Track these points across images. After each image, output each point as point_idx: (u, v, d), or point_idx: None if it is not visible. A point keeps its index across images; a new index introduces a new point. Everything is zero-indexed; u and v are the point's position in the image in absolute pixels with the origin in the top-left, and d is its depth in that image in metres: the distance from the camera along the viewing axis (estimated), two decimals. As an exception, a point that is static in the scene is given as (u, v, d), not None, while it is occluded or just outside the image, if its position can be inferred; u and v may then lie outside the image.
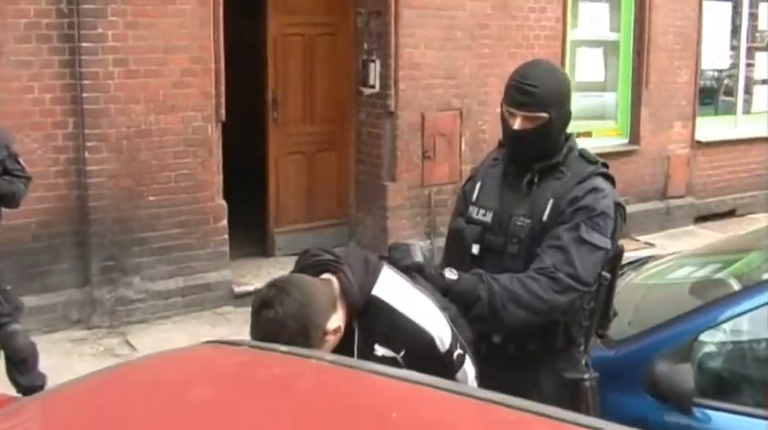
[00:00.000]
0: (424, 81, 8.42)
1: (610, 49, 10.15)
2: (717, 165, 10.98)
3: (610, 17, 10.10)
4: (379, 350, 2.55)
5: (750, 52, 11.39)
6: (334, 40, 8.61)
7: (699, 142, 10.73)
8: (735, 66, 11.36)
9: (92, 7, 6.64)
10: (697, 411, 3.33)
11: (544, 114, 3.03)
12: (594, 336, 3.26)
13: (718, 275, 4.26)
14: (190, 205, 7.27)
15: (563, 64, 9.14)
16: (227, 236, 7.52)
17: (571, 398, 3.07)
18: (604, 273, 3.08)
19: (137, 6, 6.82)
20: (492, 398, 1.90)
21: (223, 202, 7.47)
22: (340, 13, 8.59)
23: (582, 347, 3.15)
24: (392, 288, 2.60)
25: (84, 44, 6.65)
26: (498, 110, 3.22)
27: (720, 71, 11.41)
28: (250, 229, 8.54)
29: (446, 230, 3.51)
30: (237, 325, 6.86)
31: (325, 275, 2.60)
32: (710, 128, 10.96)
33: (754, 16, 11.32)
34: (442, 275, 2.91)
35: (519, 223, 3.07)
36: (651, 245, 9.64)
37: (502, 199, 3.17)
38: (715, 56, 11.03)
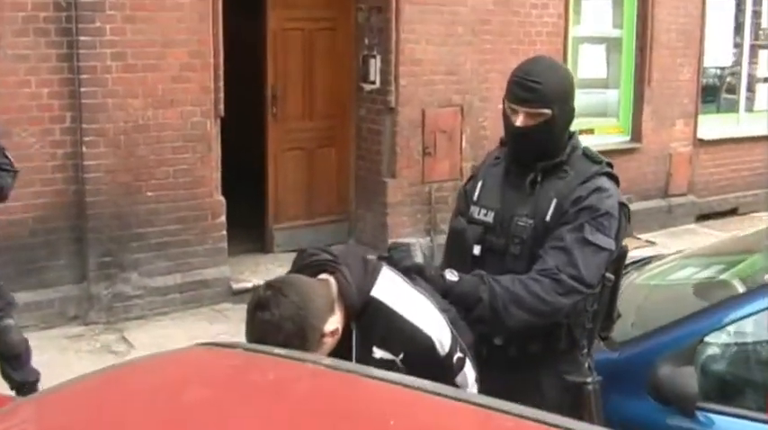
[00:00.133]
0: (424, 77, 8.36)
1: (612, 45, 10.09)
2: (719, 164, 10.93)
3: (612, 13, 10.03)
4: (378, 352, 2.49)
5: (753, 50, 11.33)
6: (334, 36, 8.55)
7: (701, 140, 10.68)
8: (737, 63, 11.29)
9: (90, 1, 6.58)
10: (700, 415, 3.28)
11: (547, 111, 2.97)
12: (598, 339, 3.20)
13: (722, 277, 4.20)
14: (188, 201, 7.22)
15: (565, 60, 9.08)
16: (225, 232, 7.47)
17: (573, 401, 3.02)
18: (608, 275, 3.02)
19: (135, 0, 6.76)
20: (491, 405, 1.85)
21: (221, 198, 7.42)
22: (340, 8, 8.53)
23: (585, 350, 3.09)
24: (391, 289, 2.54)
25: (81, 38, 6.59)
26: (500, 106, 3.16)
27: (723, 69, 11.35)
28: (249, 226, 8.49)
29: (447, 227, 3.46)
30: (235, 322, 6.80)
31: (323, 276, 2.54)
32: (713, 126, 10.90)
33: (757, 14, 11.26)
34: (443, 277, 2.85)
35: (521, 223, 3.01)
36: (652, 243, 9.59)
37: (504, 199, 3.11)
38: (718, 53, 10.97)
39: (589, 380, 3.05)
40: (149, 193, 7.04)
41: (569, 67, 8.96)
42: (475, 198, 3.18)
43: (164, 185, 7.09)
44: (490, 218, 3.10)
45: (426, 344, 2.51)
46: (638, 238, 9.54)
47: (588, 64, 9.84)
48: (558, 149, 3.07)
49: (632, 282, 4.28)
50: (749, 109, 11.37)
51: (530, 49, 8.27)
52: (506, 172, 3.16)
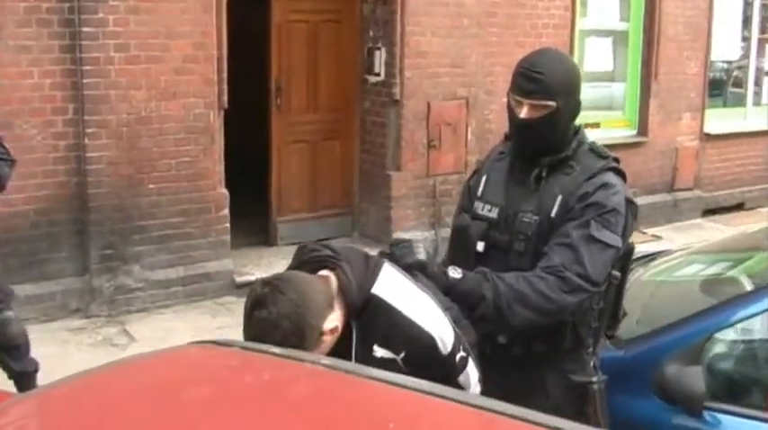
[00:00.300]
0: (429, 69, 8.32)
1: (619, 38, 10.04)
2: (725, 158, 10.88)
3: (619, 6, 10.00)
4: (379, 351, 2.45)
5: (761, 43, 11.28)
6: (339, 28, 8.50)
7: (707, 134, 10.63)
8: (745, 57, 11.25)
9: (93, -9, 6.55)
10: (707, 415, 3.22)
11: (551, 103, 2.91)
12: (603, 338, 3.14)
13: (729, 273, 4.15)
14: (191, 193, 7.18)
15: (571, 53, 9.02)
16: (228, 225, 7.43)
17: (578, 401, 2.97)
18: (614, 272, 2.96)
19: (138, -9, 6.73)
20: (493, 408, 1.80)
21: (225, 191, 7.38)
22: (345, 0, 8.47)
23: (590, 349, 3.03)
24: (393, 286, 2.49)
25: (84, 29, 6.55)
26: (505, 99, 3.10)
27: (730, 62, 11.31)
28: (252, 218, 8.46)
29: (451, 221, 3.40)
30: (238, 315, 6.71)
31: (323, 272, 2.49)
32: (719, 120, 10.85)
33: (765, 7, 11.23)
34: (446, 274, 2.79)
35: (526, 220, 2.95)
36: (658, 238, 9.56)
37: (508, 194, 3.04)
38: (725, 47, 10.91)
39: (594, 379, 2.99)
40: (152, 186, 7.00)
41: (575, 59, 8.92)
42: (479, 193, 3.12)
43: (166, 178, 7.05)
44: (494, 214, 3.04)
45: (428, 342, 2.46)
46: (644, 233, 9.49)
47: (594, 57, 9.80)
48: (564, 144, 3.01)
49: (638, 278, 4.22)
50: (756, 103, 11.32)
51: (536, 42, 8.22)
52: (511, 167, 3.09)
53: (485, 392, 2.64)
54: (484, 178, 3.14)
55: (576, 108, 3.02)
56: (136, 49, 6.76)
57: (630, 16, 10.00)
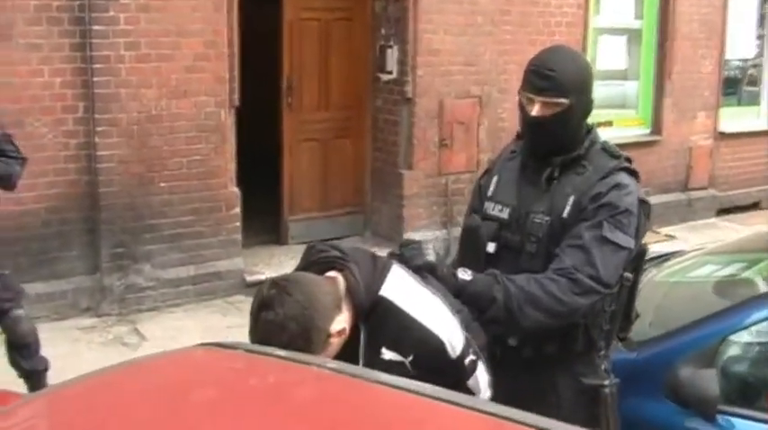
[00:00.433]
0: (442, 67, 8.28)
1: (633, 36, 9.98)
2: (740, 157, 10.81)
3: (633, 4, 9.93)
4: (387, 354, 2.41)
5: (776, 42, 11.18)
6: (350, 25, 8.46)
7: (722, 133, 10.56)
8: (760, 55, 11.17)
9: (104, -11, 6.53)
10: (721, 418, 3.18)
11: (564, 100, 2.87)
12: (615, 340, 3.10)
13: (744, 275, 4.11)
14: (202, 192, 7.16)
15: (584, 52, 8.97)
16: (239, 223, 7.41)
17: (589, 404, 2.92)
18: (627, 274, 2.91)
19: (149, -11, 6.71)
20: (502, 413, 1.77)
21: (236, 190, 7.36)
22: (357, -2, 8.45)
23: (602, 352, 2.98)
24: (401, 288, 2.46)
25: (95, 27, 6.53)
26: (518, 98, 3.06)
27: (745, 61, 11.22)
28: (264, 217, 8.44)
29: (463, 220, 3.36)
30: (248, 314, 6.75)
31: (331, 273, 2.45)
32: (734, 119, 10.77)
33: (781, 5, 11.11)
34: (455, 276, 2.75)
35: (537, 220, 2.90)
36: (672, 237, 9.50)
37: (520, 194, 3.00)
38: (740, 45, 10.84)
39: (606, 382, 2.94)
40: (162, 184, 6.98)
41: (589, 58, 8.87)
42: (490, 193, 3.08)
43: (177, 176, 7.03)
44: (505, 214, 2.99)
45: (437, 345, 2.42)
46: (658, 232, 9.43)
47: (608, 55, 9.75)
48: (576, 143, 2.96)
49: (651, 279, 4.18)
50: (771, 101, 11.23)
51: (549, 40, 8.17)
52: (523, 166, 3.05)
53: (495, 395, 2.61)
54: (495, 178, 3.10)
55: (588, 106, 2.98)
56: (146, 48, 6.74)
57: (644, 14, 9.94)
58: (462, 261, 3.01)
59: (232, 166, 7.33)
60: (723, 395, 3.18)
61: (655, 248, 5.46)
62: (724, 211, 10.67)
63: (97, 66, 6.59)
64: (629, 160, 2.98)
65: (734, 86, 11.09)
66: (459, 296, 2.68)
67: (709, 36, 10.17)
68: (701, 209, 10.43)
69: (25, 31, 6.36)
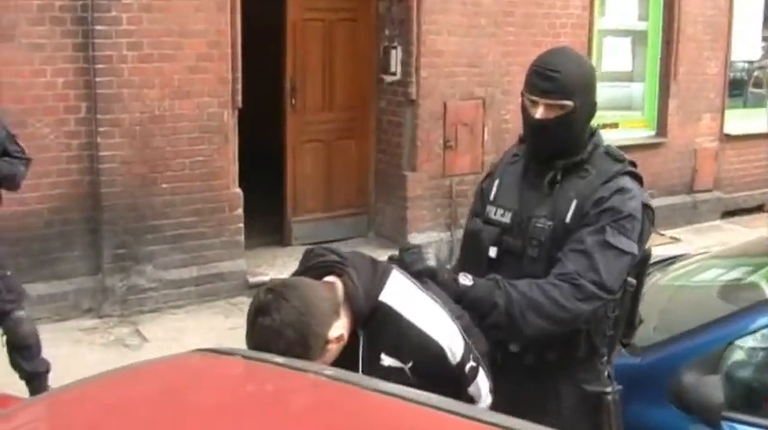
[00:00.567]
0: (446, 69, 8.25)
1: (638, 38, 9.94)
2: (745, 159, 10.77)
3: (638, 5, 9.90)
4: (386, 360, 2.38)
5: (782, 43, 11.14)
6: (354, 26, 8.44)
7: (727, 135, 10.53)
8: (766, 57, 11.13)
9: (106, -10, 6.51)
10: (726, 425, 3.13)
11: (568, 102, 2.82)
12: (619, 346, 3.06)
13: (750, 279, 4.06)
14: (204, 193, 7.14)
15: (589, 53, 8.96)
16: (242, 224, 7.39)
17: (592, 411, 2.89)
18: (630, 279, 2.87)
19: (152, -11, 6.68)
20: (502, 423, 1.73)
21: (239, 191, 7.33)
22: (361, -1, 8.43)
23: (605, 358, 2.94)
24: (401, 294, 2.42)
25: (97, 27, 6.52)
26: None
27: (751, 62, 11.17)
28: (267, 218, 8.42)
29: (465, 224, 3.31)
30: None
31: (330, 278, 2.42)
32: (739, 121, 10.72)
33: (787, 7, 11.06)
34: (456, 281, 2.71)
35: (539, 225, 2.86)
36: (677, 240, 9.46)
37: (522, 198, 2.96)
38: (746, 46, 10.78)
39: (609, 389, 2.90)
40: (165, 185, 6.96)
41: (594, 59, 8.89)
42: (492, 197, 3.04)
43: (180, 177, 7.01)
44: (507, 218, 2.95)
45: (436, 352, 2.39)
46: (663, 235, 9.39)
47: (613, 57, 9.72)
48: (579, 146, 2.92)
49: (655, 283, 4.14)
50: (777, 104, 11.18)
51: (553, 42, 8.13)
52: (525, 170, 3.01)
53: (496, 402, 2.58)
54: (497, 181, 3.06)
55: (592, 108, 2.94)
56: (149, 48, 6.72)
57: (649, 15, 9.90)
58: (464, 265, 2.98)
59: (235, 167, 7.31)
60: (728, 401, 3.14)
61: (659, 251, 5.42)
62: (729, 214, 10.63)
63: (100, 66, 6.57)
64: (632, 164, 2.94)
65: (739, 88, 11.04)
66: (460, 301, 2.64)
67: (714, 38, 10.13)
68: (705, 211, 10.39)
69: (28, 31, 6.34)
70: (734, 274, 4.26)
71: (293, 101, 8.26)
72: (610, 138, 8.74)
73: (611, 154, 2.93)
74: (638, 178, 2.92)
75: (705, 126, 10.28)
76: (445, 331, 2.42)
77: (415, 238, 8.16)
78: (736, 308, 3.57)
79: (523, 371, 2.89)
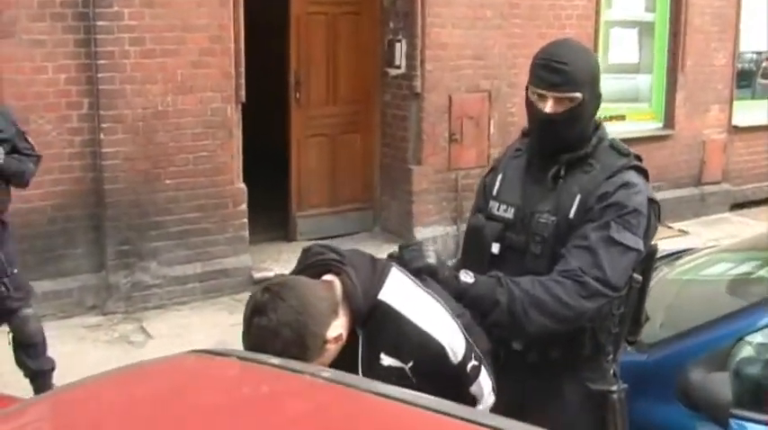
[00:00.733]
0: (451, 62, 8.19)
1: (645, 29, 9.87)
2: (754, 151, 10.70)
3: (645, -4, 9.81)
4: (386, 360, 2.34)
5: (791, 34, 11.03)
6: (358, 20, 8.39)
7: (736, 127, 10.46)
8: (774, 48, 11.02)
9: (107, -16, 6.47)
10: (734, 423, 3.08)
11: (577, 95, 2.76)
12: (624, 344, 3.00)
13: (759, 273, 3.99)
14: (208, 188, 7.10)
15: (596, 45, 8.91)
16: (246, 220, 7.35)
17: (597, 410, 2.83)
18: (636, 275, 2.81)
19: (154, -16, 6.65)
20: (503, 426, 1.68)
21: (243, 186, 7.29)
22: (365, -8, 8.37)
23: (610, 356, 2.88)
24: (401, 292, 2.38)
25: (99, 23, 6.48)
26: (528, 93, 2.95)
27: (759, 53, 11.08)
28: (271, 213, 8.38)
29: (468, 219, 3.26)
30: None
31: (328, 276, 2.38)
32: (748, 112, 10.64)
33: (796, -3, 10.95)
34: (457, 278, 2.65)
35: (543, 220, 2.80)
36: (685, 232, 9.40)
37: (525, 193, 2.90)
38: (754, 37, 10.70)
39: (614, 388, 2.84)
40: (168, 181, 6.93)
41: (600, 51, 8.85)
42: (494, 192, 2.98)
43: (183, 173, 6.97)
44: (510, 214, 2.90)
45: (437, 351, 2.35)
46: (671, 228, 9.33)
47: (620, 48, 9.65)
48: (584, 140, 2.86)
49: (663, 277, 4.08)
50: (786, 95, 11.09)
51: (559, 33, 8.07)
52: (528, 165, 2.95)
53: (499, 401, 2.54)
54: (500, 177, 3.00)
55: (598, 100, 2.89)
56: (151, 43, 6.68)
57: (656, 7, 9.83)
58: (466, 262, 2.93)
59: (238, 162, 7.28)
60: (736, 398, 3.08)
61: (667, 244, 5.37)
62: (737, 206, 10.57)
63: (102, 62, 6.54)
64: (638, 158, 2.88)
65: (747, 79, 10.96)
66: (461, 299, 2.59)
67: (722, 28, 10.06)
68: (714, 203, 10.32)
69: (29, 27, 6.31)
70: (743, 269, 4.20)
71: (297, 95, 8.22)
72: (617, 130, 8.74)
73: (615, 148, 2.87)
74: (643, 172, 2.86)
75: (713, 118, 10.21)
76: (446, 330, 2.38)
77: (420, 232, 8.12)
78: (745, 303, 3.51)
79: (527, 370, 2.84)
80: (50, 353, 5.28)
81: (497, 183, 2.99)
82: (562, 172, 2.84)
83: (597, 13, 9.05)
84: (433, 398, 1.79)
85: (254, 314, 2.22)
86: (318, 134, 8.41)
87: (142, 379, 2.04)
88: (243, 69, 7.13)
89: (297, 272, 2.45)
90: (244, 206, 7.31)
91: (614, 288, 2.71)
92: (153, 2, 6.64)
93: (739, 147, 10.56)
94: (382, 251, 7.18)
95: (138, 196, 6.84)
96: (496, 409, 2.53)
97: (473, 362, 2.42)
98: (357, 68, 8.44)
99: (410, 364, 2.33)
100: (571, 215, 2.78)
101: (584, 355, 2.86)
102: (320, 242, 2.64)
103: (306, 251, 2.50)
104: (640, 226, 2.74)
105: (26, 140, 5.12)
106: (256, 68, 7.70)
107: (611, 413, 2.83)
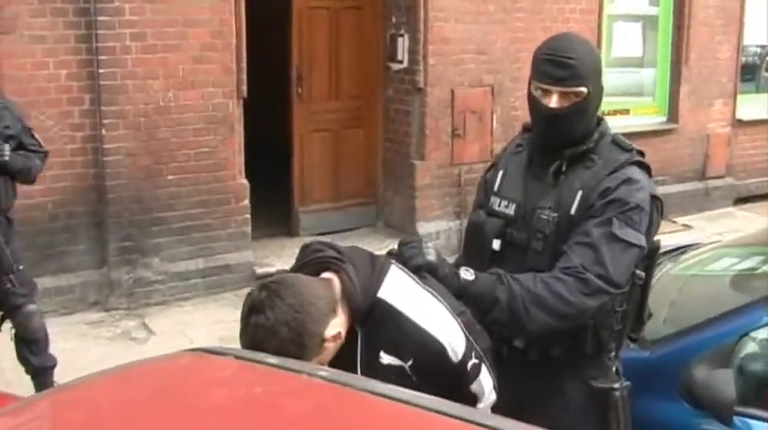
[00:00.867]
0: (454, 56, 8.16)
1: (648, 23, 9.83)
2: (758, 145, 10.65)
3: (649, -10, 9.77)
4: (385, 358, 2.32)
5: (795, 27, 10.98)
6: (360, 14, 8.36)
7: (740, 121, 10.41)
8: (779, 41, 10.97)
9: (108, -21, 6.45)
10: (738, 421, 3.05)
11: (583, 89, 2.73)
12: (627, 341, 2.97)
13: (764, 268, 3.96)
14: (210, 184, 7.09)
15: (599, 39, 8.87)
16: (248, 215, 7.33)
17: (599, 408, 2.81)
18: (638, 272, 2.78)
19: (155, -22, 6.62)
20: (503, 426, 1.66)
21: (245, 181, 7.27)
22: (367, -14, 8.34)
23: (613, 353, 2.85)
24: (400, 290, 2.35)
25: (100, 18, 6.46)
26: (531, 87, 2.91)
27: (763, 47, 11.03)
28: (274, 208, 8.36)
29: (469, 216, 3.23)
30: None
31: (326, 274, 2.36)
32: (752, 106, 10.60)
33: (800, -11, 10.90)
34: (457, 275, 2.62)
35: (544, 217, 2.77)
36: (689, 227, 9.38)
37: (526, 189, 2.86)
38: (758, 31, 10.65)
39: (617, 385, 2.81)
40: (170, 177, 6.91)
41: (604, 45, 8.83)
42: (495, 188, 2.95)
43: (185, 168, 6.95)
44: (511, 210, 2.86)
45: (437, 349, 2.32)
46: (675, 222, 9.30)
47: (623, 42, 9.62)
48: (587, 135, 2.83)
49: (666, 273, 4.05)
50: (790, 88, 11.05)
51: (563, 27, 8.06)
52: (529, 160, 2.92)
53: (500, 399, 2.52)
54: (500, 172, 2.97)
55: (601, 94, 2.85)
56: (153, 38, 6.66)
57: (660, 0, 9.77)
58: (466, 258, 2.90)
59: (240, 158, 7.25)
60: (740, 396, 3.04)
61: (671, 239, 5.33)
62: (742, 200, 10.52)
63: (103, 57, 6.52)
64: (640, 153, 2.84)
65: (752, 73, 10.91)
66: (461, 297, 2.56)
67: (726, 22, 10.01)
68: (718, 198, 10.29)
69: (29, 23, 6.29)
70: (747, 264, 4.16)
71: (299, 90, 8.20)
72: (621, 124, 8.70)
73: (617, 143, 2.83)
74: (646, 168, 2.83)
75: (717, 111, 10.17)
76: (446, 328, 2.36)
77: (423, 228, 8.10)
78: (750, 299, 3.46)
79: (528, 368, 2.82)
80: (52, 349, 5.27)
81: (498, 179, 2.96)
82: (563, 167, 2.81)
83: (600, 6, 9.01)
84: (431, 397, 1.77)
85: (251, 312, 2.20)
86: (321, 129, 8.39)
87: (136, 379, 2.01)
88: (244, 64, 7.10)
89: (295, 269, 2.43)
90: (246, 201, 7.29)
91: (616, 285, 2.68)
92: (154, -3, 6.62)
93: (743, 140, 10.52)
94: (385, 246, 7.16)
95: (140, 192, 6.82)
96: (497, 407, 2.50)
97: (473, 361, 2.39)
98: (359, 63, 8.41)
99: (410, 363, 2.31)
100: (572, 211, 2.75)
101: (587, 353, 2.83)
102: (319, 239, 2.61)
103: (304, 248, 2.48)
104: (643, 222, 2.71)
105: (32, 136, 5.13)
106: (258, 63, 7.66)
107: (613, 411, 2.80)
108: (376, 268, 2.37)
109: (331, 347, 2.26)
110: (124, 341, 6.37)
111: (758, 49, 10.99)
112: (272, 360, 1.95)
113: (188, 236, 7.06)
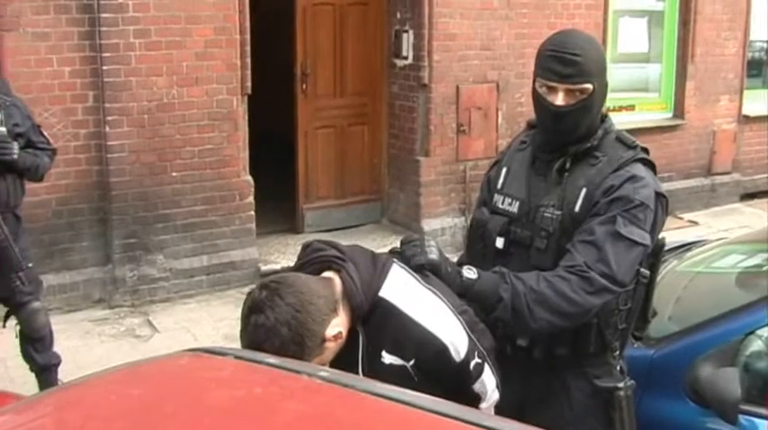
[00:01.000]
0: (459, 52, 8.13)
1: (654, 18, 9.78)
2: (764, 141, 10.60)
3: (654, -15, 9.72)
4: (387, 357, 2.30)
5: (802, 22, 10.92)
6: (365, 10, 8.33)
7: (746, 116, 10.36)
8: (786, 36, 10.91)
9: (112, -24, 6.43)
10: (744, 419, 3.01)
11: (589, 86, 2.70)
12: (631, 339, 2.95)
13: (770, 266, 3.93)
14: (215, 181, 7.07)
15: (605, 34, 8.83)
16: (253, 212, 7.32)
17: (603, 407, 2.78)
18: (643, 270, 2.75)
19: (158, -25, 6.60)
20: (507, 428, 1.63)
21: (249, 178, 7.26)
22: (372, -18, 8.31)
23: (617, 352, 2.83)
24: (402, 289, 2.34)
25: (103, 15, 6.44)
26: (536, 84, 2.88)
27: (770, 42, 10.97)
28: (278, 205, 8.35)
29: (472, 214, 3.21)
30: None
31: (327, 273, 2.34)
32: (758, 101, 10.54)
33: (807, -16, 10.83)
34: (460, 274, 2.59)
35: (547, 215, 2.74)
36: (695, 223, 9.34)
37: (529, 187, 2.83)
38: (764, 26, 10.58)
39: (621, 385, 2.78)
40: (174, 174, 6.90)
41: (609, 40, 8.79)
42: (499, 186, 2.92)
43: (189, 165, 6.94)
44: (515, 208, 2.83)
45: (439, 349, 2.30)
46: (681, 218, 9.28)
47: (629, 38, 9.57)
48: (591, 132, 2.79)
49: (672, 270, 4.02)
50: (797, 84, 10.99)
51: (568, 23, 8.04)
52: (533, 158, 2.89)
53: (504, 398, 2.50)
54: (504, 170, 2.93)
55: (606, 91, 2.82)
56: (156, 35, 6.65)
57: (666, -5, 9.75)
58: (470, 256, 2.88)
59: (245, 155, 7.24)
60: (746, 394, 3.01)
61: (677, 235, 5.30)
62: (748, 196, 10.48)
63: (106, 54, 6.51)
64: (645, 150, 2.81)
65: (758, 69, 10.85)
66: (464, 295, 2.54)
67: (732, 17, 9.96)
68: (724, 194, 10.25)
69: (33, 20, 6.28)
70: (753, 261, 4.13)
71: (304, 86, 8.18)
72: (626, 120, 8.65)
73: (622, 140, 2.80)
74: (650, 165, 2.79)
75: (723, 107, 10.12)
76: (448, 327, 2.34)
77: (428, 224, 8.08)
78: (755, 296, 3.43)
79: (532, 366, 2.80)
80: (56, 346, 5.27)
81: (502, 177, 2.93)
82: (568, 165, 2.78)
83: (606, 2, 8.97)
84: (431, 398, 1.75)
85: (251, 312, 2.18)
86: (325, 126, 8.37)
87: (136, 379, 1.99)
88: (249, 61, 7.08)
89: (296, 268, 2.42)
90: (250, 198, 7.28)
91: (620, 283, 2.65)
92: (157, -7, 6.61)
93: (750, 136, 10.47)
94: (390, 243, 7.14)
95: (144, 189, 6.81)
96: (501, 407, 2.49)
97: (476, 360, 2.37)
98: (364, 59, 8.39)
99: (412, 362, 2.30)
100: (576, 209, 2.72)
101: (590, 352, 2.80)
102: (320, 238, 2.59)
103: (305, 247, 2.46)
104: (647, 220, 2.68)
105: (41, 134, 5.13)
106: (263, 60, 7.64)
107: (617, 410, 2.78)
108: (377, 267, 2.35)
109: (332, 347, 2.24)
110: (128, 338, 6.36)
111: (764, 45, 10.92)
112: (272, 360, 1.93)
113: (192, 233, 7.06)
